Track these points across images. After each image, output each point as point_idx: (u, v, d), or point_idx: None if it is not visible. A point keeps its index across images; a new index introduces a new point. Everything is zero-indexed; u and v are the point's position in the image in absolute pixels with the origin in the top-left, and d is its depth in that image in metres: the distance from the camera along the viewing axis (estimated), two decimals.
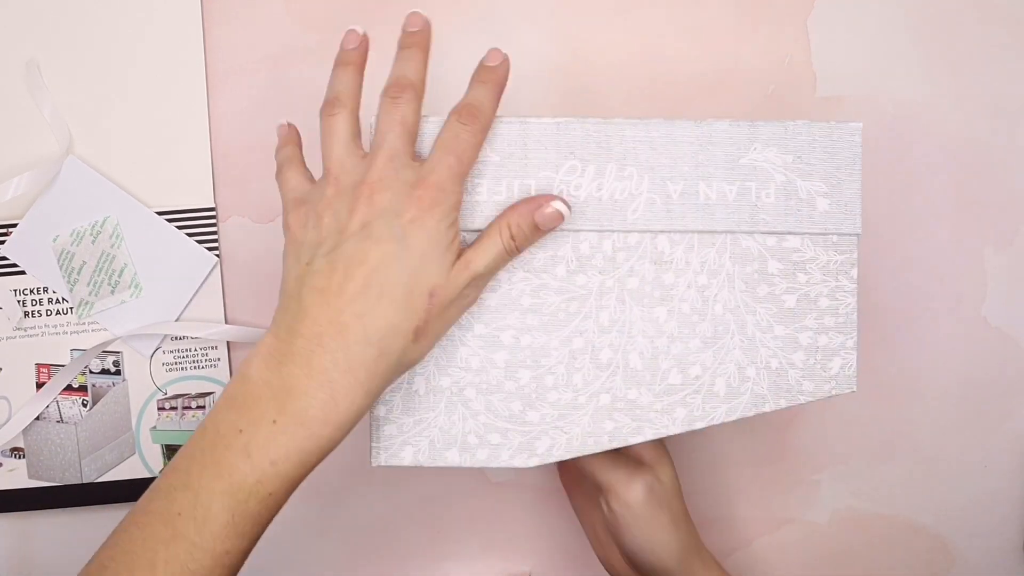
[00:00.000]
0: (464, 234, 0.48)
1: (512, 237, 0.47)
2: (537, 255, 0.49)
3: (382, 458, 0.49)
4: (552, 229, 0.48)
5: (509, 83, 0.54)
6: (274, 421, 0.43)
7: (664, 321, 0.49)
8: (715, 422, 0.49)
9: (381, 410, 0.49)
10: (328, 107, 0.47)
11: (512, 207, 0.47)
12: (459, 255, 0.46)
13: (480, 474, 0.62)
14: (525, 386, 0.49)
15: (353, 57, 0.48)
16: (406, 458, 0.49)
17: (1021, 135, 0.61)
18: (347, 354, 0.43)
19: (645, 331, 0.49)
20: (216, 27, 0.59)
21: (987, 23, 0.61)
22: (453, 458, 0.49)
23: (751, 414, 0.49)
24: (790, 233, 0.48)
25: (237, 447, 0.43)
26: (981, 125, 0.61)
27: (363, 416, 0.45)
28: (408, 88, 0.47)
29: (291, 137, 0.50)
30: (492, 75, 0.47)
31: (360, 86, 0.48)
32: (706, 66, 0.60)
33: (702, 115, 0.60)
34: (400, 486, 0.62)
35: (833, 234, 0.48)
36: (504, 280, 0.49)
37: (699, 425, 0.49)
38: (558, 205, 0.47)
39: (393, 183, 0.45)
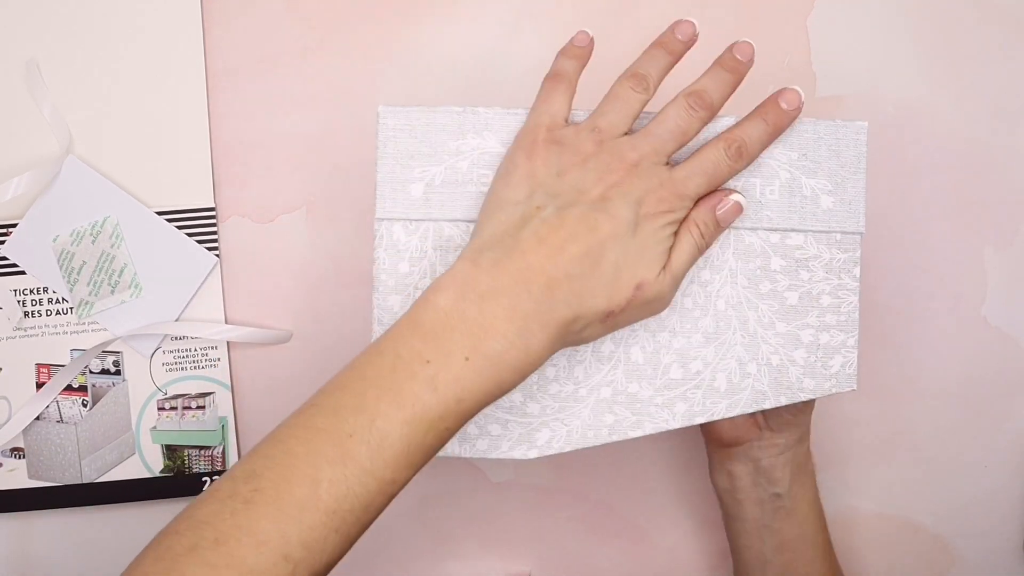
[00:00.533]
0: None
1: (701, 235, 0.47)
2: None
3: None
4: (731, 223, 0.48)
5: (508, 81, 0.54)
6: (467, 358, 0.42)
7: (666, 316, 0.49)
8: (715, 417, 0.49)
9: None
10: (633, 78, 0.47)
11: (694, 206, 0.47)
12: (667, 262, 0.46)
13: (480, 474, 0.62)
14: None
15: (673, 47, 0.49)
16: None
17: (1021, 135, 0.61)
18: (550, 308, 0.43)
19: (647, 325, 0.49)
20: (216, 27, 0.59)
21: (987, 23, 0.61)
22: (453, 448, 0.49)
23: (751, 410, 0.49)
24: (793, 230, 0.49)
25: (423, 377, 0.41)
26: (981, 125, 0.61)
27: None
28: (708, 107, 0.47)
29: (583, 54, 0.49)
30: (775, 117, 0.48)
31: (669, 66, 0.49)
32: (706, 66, 0.60)
33: None
34: None
35: (837, 232, 0.48)
36: None
37: (699, 420, 0.49)
38: (737, 198, 0.47)
39: (647, 173, 0.45)
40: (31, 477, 0.60)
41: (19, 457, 0.60)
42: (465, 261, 0.44)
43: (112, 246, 0.59)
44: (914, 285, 0.62)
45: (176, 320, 0.60)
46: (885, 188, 0.61)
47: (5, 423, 0.59)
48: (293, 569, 0.39)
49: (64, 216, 0.59)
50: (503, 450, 0.49)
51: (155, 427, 0.60)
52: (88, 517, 0.61)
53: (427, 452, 0.42)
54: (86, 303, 0.59)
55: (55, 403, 0.60)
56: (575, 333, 0.44)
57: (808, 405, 0.53)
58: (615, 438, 0.49)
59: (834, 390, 0.49)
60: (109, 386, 0.60)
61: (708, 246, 0.48)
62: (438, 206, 0.49)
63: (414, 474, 0.42)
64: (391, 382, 0.42)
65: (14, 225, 0.59)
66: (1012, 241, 0.62)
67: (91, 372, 0.60)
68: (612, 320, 0.45)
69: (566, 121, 0.47)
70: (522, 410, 0.49)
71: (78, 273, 0.59)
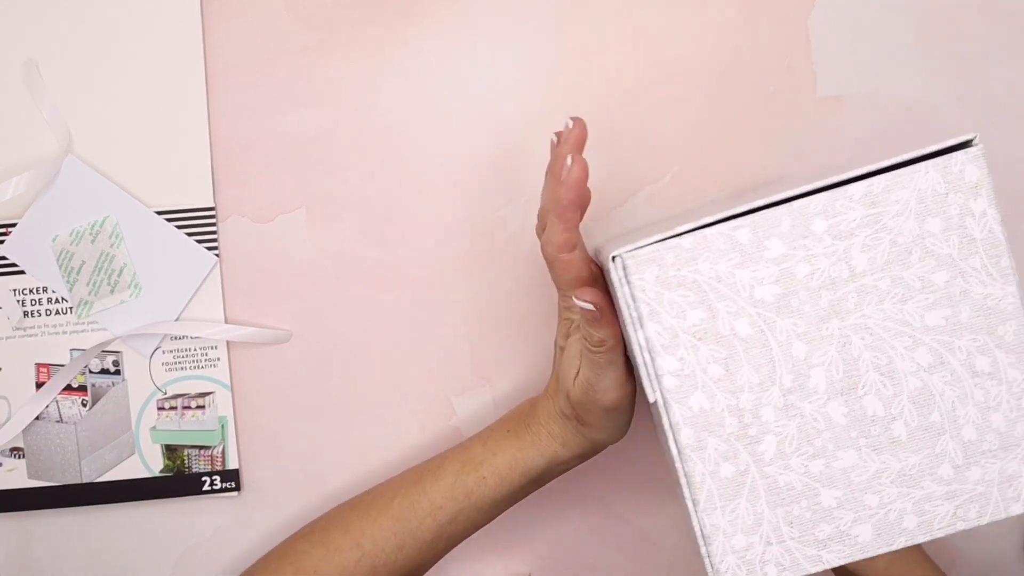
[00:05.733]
0: None
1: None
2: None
3: None
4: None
5: (507, 82, 0.54)
6: (508, 430, 0.55)
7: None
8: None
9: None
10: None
11: None
12: None
13: None
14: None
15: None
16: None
17: (1021, 135, 0.61)
18: (580, 438, 0.53)
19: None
20: (216, 26, 0.59)
21: (988, 22, 0.61)
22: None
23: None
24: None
25: (483, 437, 0.55)
26: (981, 125, 0.61)
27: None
28: None
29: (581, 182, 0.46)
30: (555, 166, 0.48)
31: None
32: (706, 66, 0.60)
33: (702, 114, 0.60)
34: None
35: None
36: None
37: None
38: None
39: None
40: (31, 477, 0.60)
41: (19, 457, 0.60)
42: None
43: (111, 246, 0.59)
44: None
45: (176, 320, 0.60)
46: None
47: (5, 423, 0.59)
48: (360, 557, 0.53)
49: (63, 216, 0.59)
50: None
51: (155, 427, 0.60)
52: (88, 517, 0.61)
53: (467, 491, 0.54)
54: (86, 303, 0.59)
55: (55, 403, 0.60)
56: (581, 424, 0.52)
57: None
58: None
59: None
60: (109, 386, 0.60)
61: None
62: None
63: (457, 509, 0.54)
64: (470, 439, 0.56)
65: (13, 225, 0.59)
66: (1012, 241, 0.61)
67: (91, 372, 0.60)
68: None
69: None
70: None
71: (77, 273, 0.59)
